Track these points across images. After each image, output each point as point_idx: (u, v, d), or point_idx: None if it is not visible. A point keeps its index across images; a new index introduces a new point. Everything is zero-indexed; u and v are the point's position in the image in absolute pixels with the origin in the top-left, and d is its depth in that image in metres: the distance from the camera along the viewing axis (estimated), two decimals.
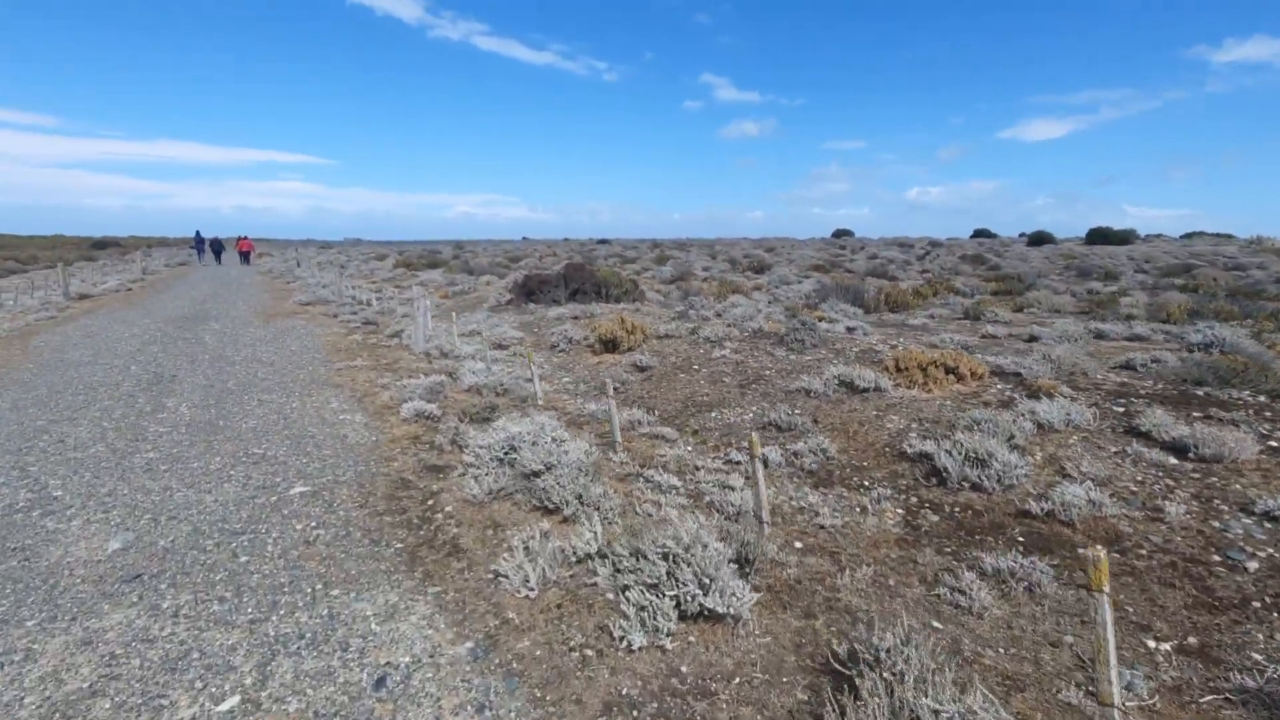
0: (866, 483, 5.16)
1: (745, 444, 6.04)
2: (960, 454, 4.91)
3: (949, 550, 4.14)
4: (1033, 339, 10.36)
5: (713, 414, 7.05)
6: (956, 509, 4.61)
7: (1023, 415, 5.69)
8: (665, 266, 29.40)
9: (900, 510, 4.69)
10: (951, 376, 7.06)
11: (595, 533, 3.54)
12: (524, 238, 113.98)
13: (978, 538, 4.25)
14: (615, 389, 7.89)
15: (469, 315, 14.94)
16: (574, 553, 3.46)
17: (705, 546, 3.01)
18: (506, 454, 4.90)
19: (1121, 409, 5.89)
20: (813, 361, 8.37)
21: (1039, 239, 59.52)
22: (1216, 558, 3.70)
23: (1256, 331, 10.06)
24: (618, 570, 3.20)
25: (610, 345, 9.83)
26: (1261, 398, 5.96)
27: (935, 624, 3.31)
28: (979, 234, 76.23)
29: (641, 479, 5.20)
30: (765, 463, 5.54)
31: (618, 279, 15.60)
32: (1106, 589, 1.81)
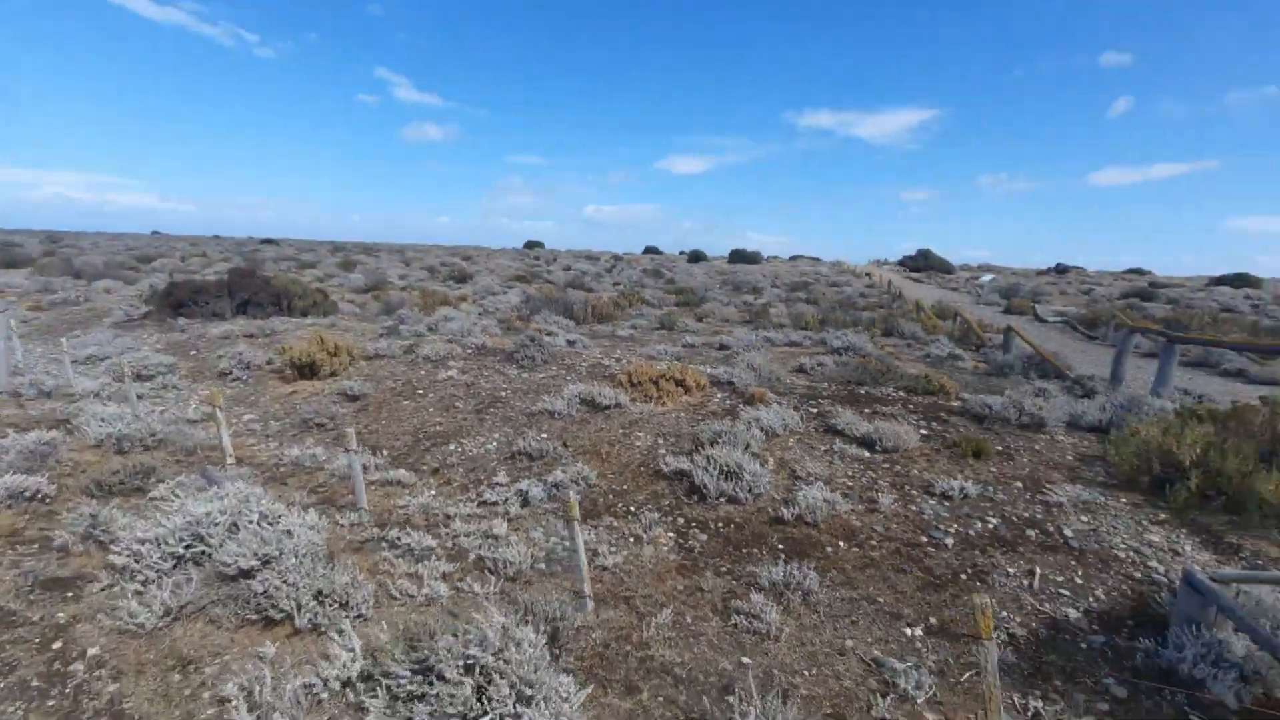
0: (633, 508, 5.01)
1: (499, 480, 5.42)
2: (715, 469, 5.10)
3: (725, 570, 4.20)
4: (724, 347, 11.76)
5: (451, 447, 6.22)
6: (720, 524, 4.74)
7: (751, 424, 6.24)
8: (355, 273, 26.25)
9: (671, 534, 4.64)
10: (680, 389, 7.47)
11: (353, 647, 2.60)
12: (154, 232, 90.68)
13: (745, 551, 4.41)
14: (326, 426, 6.50)
15: (85, 335, 10.96)
16: (326, 683, 2.47)
17: (519, 644, 2.39)
18: (190, 548, 3.43)
19: (815, 410, 6.90)
20: (548, 379, 8.07)
21: (696, 256, 69.98)
22: (924, 539, 4.45)
23: (871, 336, 13.07)
24: (398, 699, 2.35)
25: (307, 370, 8.09)
26: (900, 392, 7.60)
27: (744, 659, 3.24)
28: (650, 250, 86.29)
29: (385, 544, 4.20)
30: (525, 501, 5.02)
31: (302, 289, 13.15)
32: (993, 637, 1.84)
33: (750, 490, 4.97)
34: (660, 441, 6.14)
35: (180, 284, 12.74)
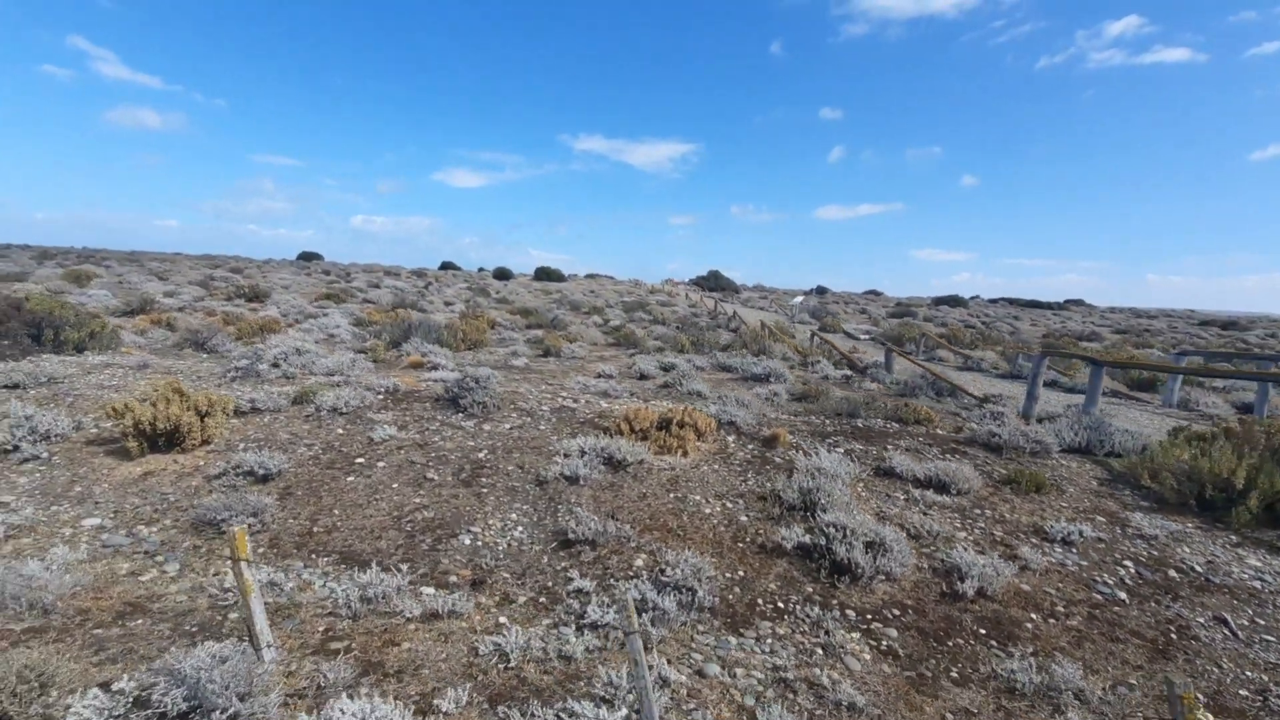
0: (779, 603, 3.96)
1: (577, 583, 3.95)
2: (857, 540, 4.27)
3: (957, 675, 3.39)
4: (645, 376, 10.85)
5: (463, 540, 4.49)
6: (895, 611, 3.92)
7: (814, 473, 5.52)
8: (96, 289, 20.21)
9: (858, 636, 3.70)
10: (694, 434, 6.48)
11: None
12: None
13: (950, 643, 3.65)
14: (251, 528, 4.38)
15: None
16: None
17: None
18: None
19: (843, 450, 6.41)
20: (520, 430, 6.50)
21: (503, 273, 67.66)
22: (1097, 595, 4.12)
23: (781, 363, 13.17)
24: None
25: (163, 438, 5.46)
26: (893, 424, 7.47)
27: None
28: (447, 265, 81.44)
29: None
30: (643, 607, 3.69)
31: (75, 315, 9.28)
32: None
33: (900, 562, 4.23)
34: (729, 506, 5.12)
35: None
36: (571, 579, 4.06)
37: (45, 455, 5.36)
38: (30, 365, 7.39)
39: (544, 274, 65.85)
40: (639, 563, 4.28)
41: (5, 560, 3.63)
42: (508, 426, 6.60)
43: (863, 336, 20.22)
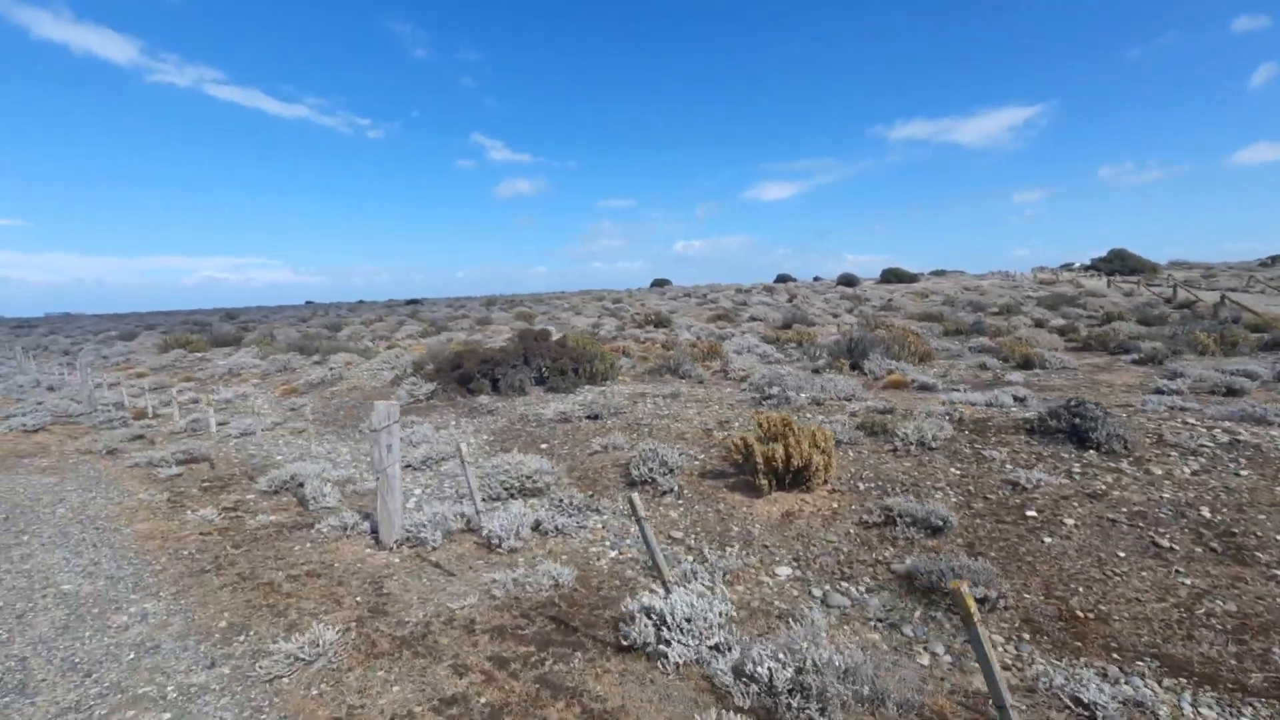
0: None
1: None
2: None
3: None
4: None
5: None
6: None
7: None
8: (541, 323, 24.62)
9: None
10: None
11: None
12: (307, 302, 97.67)
13: None
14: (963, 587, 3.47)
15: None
16: None
17: None
18: None
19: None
20: (1212, 478, 4.73)
21: (848, 279, 64.91)
22: None
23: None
24: None
25: (793, 476, 5.21)
26: None
27: None
28: (783, 278, 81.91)
29: None
30: None
31: (598, 350, 10.80)
32: None
33: None
34: None
35: (467, 353, 10.76)
36: None
37: (675, 488, 5.58)
38: (577, 396, 8.38)
39: (893, 275, 61.07)
40: None
41: (833, 644, 3.32)
42: (1188, 472, 4.89)
43: None
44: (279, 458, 7.72)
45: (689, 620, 3.31)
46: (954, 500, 4.87)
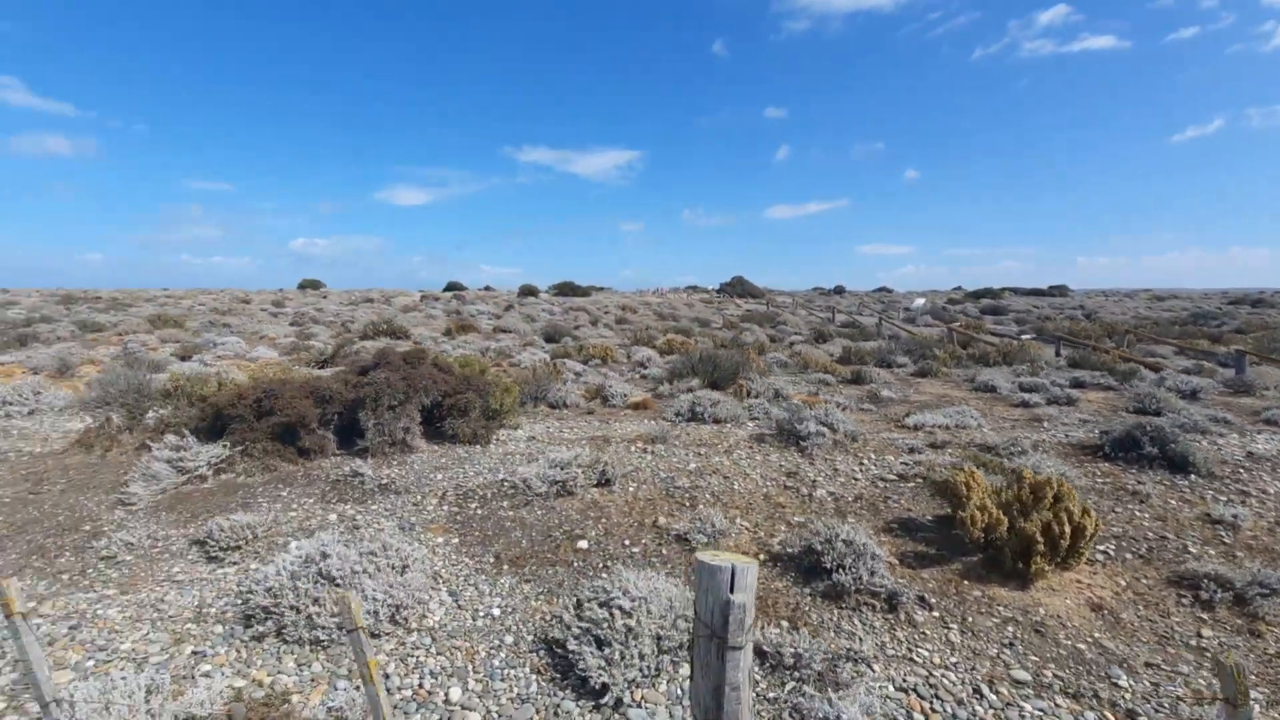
0: None
1: None
2: None
3: None
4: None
5: None
6: None
7: None
8: (228, 338, 18.54)
9: None
10: None
11: None
12: None
13: None
14: None
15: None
16: None
17: None
18: None
19: None
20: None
21: (528, 290, 65.28)
22: None
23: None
24: None
25: (1018, 555, 4.72)
26: None
27: None
28: (452, 286, 77.80)
29: None
30: None
31: (497, 381, 8.13)
32: None
33: None
34: None
35: (280, 384, 6.92)
36: None
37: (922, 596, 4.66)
38: (513, 445, 6.50)
39: (568, 289, 62.62)
40: None
41: None
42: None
43: (1025, 336, 20.28)
44: None
45: None
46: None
